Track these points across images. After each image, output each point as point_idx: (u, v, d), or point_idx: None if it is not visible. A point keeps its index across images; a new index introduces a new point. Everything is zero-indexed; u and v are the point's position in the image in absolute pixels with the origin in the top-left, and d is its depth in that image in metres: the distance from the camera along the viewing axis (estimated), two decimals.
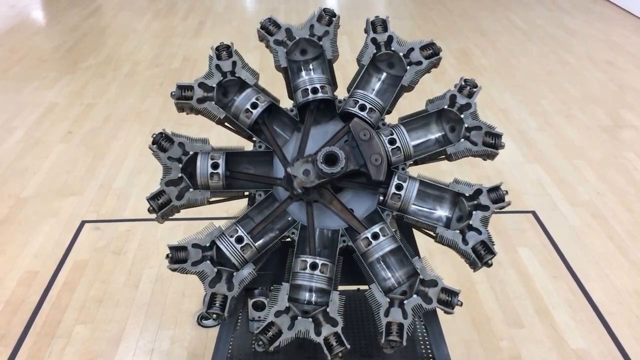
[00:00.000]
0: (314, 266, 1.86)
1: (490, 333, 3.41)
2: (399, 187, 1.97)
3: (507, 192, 1.98)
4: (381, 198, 2.02)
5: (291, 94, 2.17)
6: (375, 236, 1.90)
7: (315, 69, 2.17)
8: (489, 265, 1.90)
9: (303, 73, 2.16)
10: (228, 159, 2.02)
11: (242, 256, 1.89)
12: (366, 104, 2.07)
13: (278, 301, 1.80)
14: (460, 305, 1.81)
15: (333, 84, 2.18)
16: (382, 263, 1.92)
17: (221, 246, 1.89)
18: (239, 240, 1.90)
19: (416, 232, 2.26)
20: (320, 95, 2.07)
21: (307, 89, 2.07)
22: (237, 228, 1.91)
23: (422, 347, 2.41)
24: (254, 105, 2.04)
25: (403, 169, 2.06)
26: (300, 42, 2.15)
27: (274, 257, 2.03)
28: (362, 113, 2.05)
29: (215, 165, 1.98)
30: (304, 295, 1.87)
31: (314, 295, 1.87)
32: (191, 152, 1.99)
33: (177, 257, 1.85)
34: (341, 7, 9.34)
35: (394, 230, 1.97)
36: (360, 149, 1.89)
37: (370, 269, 1.88)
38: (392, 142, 2.01)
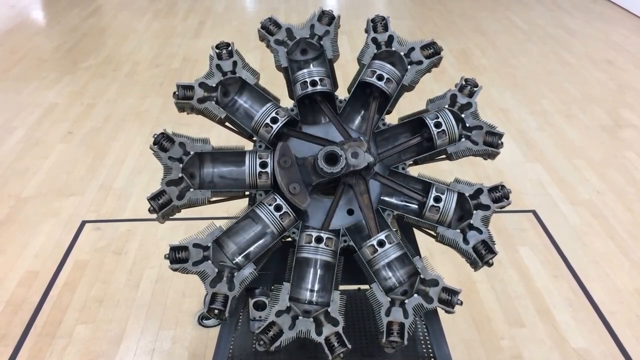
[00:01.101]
0: (319, 239, 1.87)
1: (491, 333, 3.41)
2: (437, 200, 1.96)
3: (510, 190, 1.98)
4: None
5: (291, 94, 2.17)
6: (381, 244, 1.89)
7: (315, 66, 2.17)
8: (490, 265, 1.90)
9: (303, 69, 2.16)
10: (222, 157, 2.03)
11: (281, 224, 1.90)
12: (384, 74, 2.07)
13: (279, 301, 1.81)
14: (460, 305, 1.81)
15: (334, 84, 2.18)
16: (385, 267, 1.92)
17: (260, 214, 1.90)
18: (278, 208, 1.91)
19: (417, 232, 2.26)
20: (319, 87, 2.07)
21: (307, 81, 2.07)
22: (276, 197, 1.92)
23: (423, 346, 2.41)
24: (274, 120, 2.03)
25: (403, 168, 2.06)
26: (300, 42, 2.15)
27: (274, 257, 2.03)
28: (379, 83, 2.06)
29: (264, 164, 1.98)
30: (305, 295, 1.87)
31: (315, 295, 1.87)
32: (192, 153, 1.99)
33: (178, 257, 1.85)
34: (341, 7, 9.34)
35: (394, 230, 1.97)
36: (281, 175, 1.90)
37: (375, 275, 1.88)
38: (437, 125, 2.01)
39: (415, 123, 2.09)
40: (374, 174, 2.02)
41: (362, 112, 2.18)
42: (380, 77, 2.07)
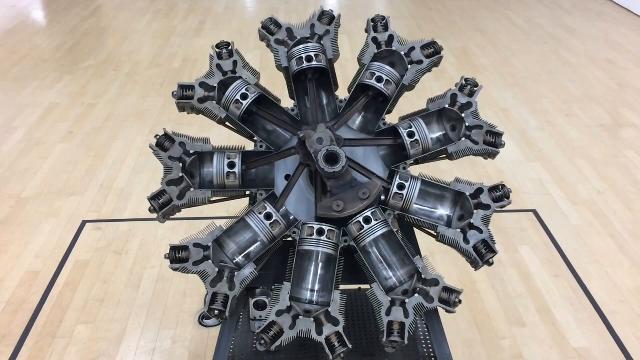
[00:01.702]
0: (320, 232, 1.87)
1: (492, 332, 3.41)
2: (401, 187, 1.97)
3: (510, 190, 1.98)
4: (382, 198, 2.02)
5: (292, 94, 2.17)
6: (367, 220, 1.89)
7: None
8: (490, 264, 1.90)
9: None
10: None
11: (271, 233, 1.90)
12: (383, 75, 2.07)
13: (280, 300, 1.81)
14: (459, 303, 1.81)
15: (334, 84, 2.18)
16: (380, 259, 1.92)
17: (250, 223, 1.90)
18: (268, 216, 1.91)
19: (417, 232, 2.26)
20: (314, 63, 2.06)
21: (302, 57, 2.07)
22: (266, 205, 1.92)
23: (424, 346, 2.41)
24: (244, 97, 2.03)
25: (404, 168, 2.06)
26: (301, 41, 2.15)
27: (275, 256, 2.03)
28: (379, 85, 2.06)
29: (232, 165, 1.98)
30: (305, 295, 1.87)
31: (315, 294, 1.87)
32: (193, 152, 1.99)
33: (179, 256, 1.85)
34: (341, 7, 9.34)
35: (395, 230, 1.97)
36: (350, 204, 1.89)
37: (368, 262, 1.88)
38: (410, 135, 2.01)
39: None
40: (343, 141, 2.02)
41: (363, 112, 2.18)
42: (379, 79, 2.07)
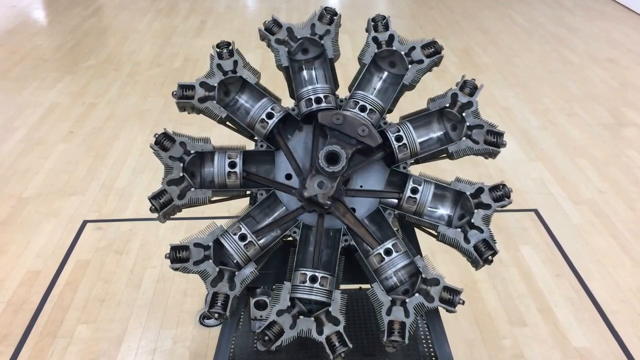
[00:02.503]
0: (313, 279, 1.86)
1: (493, 332, 3.41)
2: (414, 191, 1.97)
3: (511, 189, 1.98)
4: (394, 201, 2.01)
5: (292, 93, 2.17)
6: (388, 252, 1.89)
7: (318, 73, 2.16)
8: (490, 263, 1.90)
9: (305, 76, 2.16)
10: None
11: (246, 254, 1.89)
12: (366, 104, 2.06)
13: (280, 300, 1.80)
14: (462, 304, 1.81)
15: (334, 84, 2.18)
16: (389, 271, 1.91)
17: (225, 244, 1.89)
18: (242, 237, 1.90)
19: (418, 231, 2.26)
20: (323, 105, 2.06)
21: (311, 99, 2.07)
22: (241, 226, 1.91)
23: (425, 346, 2.41)
24: (270, 116, 2.03)
25: (404, 167, 2.06)
26: (302, 42, 2.15)
27: (275, 256, 2.03)
28: (362, 114, 2.04)
29: (232, 164, 1.98)
30: None
31: None
32: (193, 152, 1.99)
33: (179, 256, 1.85)
34: (342, 6, 9.33)
35: (395, 229, 1.97)
36: (344, 132, 1.90)
37: (376, 275, 1.87)
38: (398, 139, 2.01)
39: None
40: (346, 191, 2.00)
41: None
42: (362, 109, 2.05)
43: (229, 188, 2.00)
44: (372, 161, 2.06)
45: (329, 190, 1.86)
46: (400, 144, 2.01)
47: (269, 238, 1.96)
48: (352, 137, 1.90)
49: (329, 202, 1.87)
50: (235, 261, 1.89)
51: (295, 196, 2.00)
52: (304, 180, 1.94)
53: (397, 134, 2.01)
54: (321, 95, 2.08)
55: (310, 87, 2.11)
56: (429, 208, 1.99)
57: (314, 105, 2.06)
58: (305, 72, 2.17)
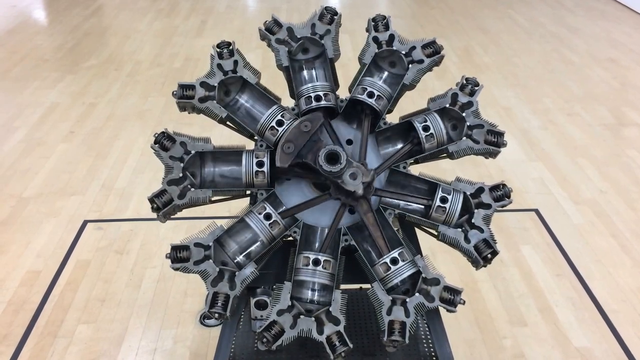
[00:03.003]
0: (316, 262, 1.86)
1: (493, 332, 3.41)
2: (443, 200, 1.95)
3: (511, 189, 1.98)
4: (421, 207, 2.01)
5: (292, 93, 2.17)
6: (394, 261, 1.88)
7: (318, 72, 2.16)
8: (490, 262, 1.89)
9: (305, 75, 2.16)
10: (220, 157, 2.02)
11: (270, 233, 1.90)
12: (374, 91, 2.07)
13: (280, 300, 1.80)
14: (462, 304, 1.81)
15: (335, 84, 2.18)
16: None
17: (250, 223, 1.90)
18: (267, 217, 1.91)
19: (418, 231, 2.25)
20: (323, 103, 2.07)
21: (311, 96, 2.07)
22: (265, 205, 1.92)
23: (425, 345, 2.40)
24: (280, 123, 2.03)
25: (404, 167, 2.06)
26: (302, 42, 2.15)
27: (275, 256, 2.03)
28: (370, 100, 2.05)
29: (260, 164, 1.98)
30: (306, 294, 1.86)
31: (316, 294, 1.87)
32: (193, 152, 1.99)
33: (180, 256, 1.85)
34: (343, 6, 9.33)
35: (396, 229, 1.97)
36: (303, 146, 1.87)
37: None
38: (425, 129, 2.00)
39: (411, 125, 2.08)
40: (374, 190, 2.00)
41: (356, 123, 2.17)
42: (370, 95, 2.06)
43: (256, 186, 2.00)
44: (402, 154, 2.06)
45: (366, 178, 1.86)
46: (428, 133, 2.00)
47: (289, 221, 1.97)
48: (308, 139, 1.87)
49: (361, 192, 1.85)
50: (260, 240, 1.90)
51: (333, 195, 1.97)
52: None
53: (424, 123, 2.01)
54: (321, 93, 2.08)
55: (310, 85, 2.11)
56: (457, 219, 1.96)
57: (314, 103, 2.06)
58: (305, 72, 2.17)
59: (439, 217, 1.95)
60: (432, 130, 2.01)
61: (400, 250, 1.90)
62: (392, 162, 2.06)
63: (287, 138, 1.87)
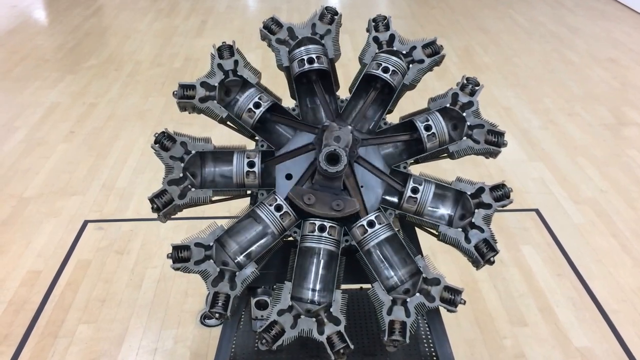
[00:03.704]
0: (322, 228, 1.87)
1: (494, 332, 3.41)
2: (414, 191, 1.97)
3: (511, 189, 1.98)
4: (395, 200, 2.01)
5: (293, 93, 2.17)
6: (370, 224, 1.90)
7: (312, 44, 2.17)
8: (491, 263, 1.89)
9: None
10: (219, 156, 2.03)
11: (281, 224, 1.91)
12: (389, 66, 2.07)
13: (281, 300, 1.80)
14: (463, 304, 1.81)
15: (335, 84, 2.18)
16: (382, 258, 1.92)
17: (261, 214, 1.91)
18: (278, 208, 1.91)
19: (419, 231, 2.25)
20: (316, 65, 2.07)
21: (304, 59, 2.07)
22: (276, 197, 1.92)
23: (425, 345, 2.40)
24: (257, 105, 2.04)
25: (405, 167, 2.06)
26: (302, 41, 2.15)
27: (276, 256, 2.03)
28: (385, 75, 2.06)
29: (251, 164, 1.98)
30: (307, 294, 1.86)
31: (317, 294, 1.87)
32: (193, 152, 1.99)
33: (180, 256, 1.85)
34: (343, 6, 9.33)
35: (396, 229, 1.97)
36: (320, 206, 1.90)
37: (369, 261, 1.88)
38: (427, 128, 2.01)
39: (412, 124, 2.09)
40: (357, 157, 2.03)
41: (364, 111, 2.17)
42: (385, 70, 2.07)
43: (247, 187, 2.00)
44: (397, 140, 2.09)
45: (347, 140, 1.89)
46: (429, 133, 2.01)
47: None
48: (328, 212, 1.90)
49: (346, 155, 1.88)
50: (270, 231, 1.90)
51: (316, 141, 2.02)
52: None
53: (426, 123, 2.02)
54: (314, 56, 2.08)
55: (302, 48, 2.11)
56: (429, 208, 1.99)
57: (307, 65, 2.06)
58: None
59: (410, 208, 1.97)
60: (434, 130, 2.02)
61: (377, 214, 1.92)
62: (385, 141, 2.08)
63: (313, 193, 1.90)
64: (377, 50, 2.14)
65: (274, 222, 1.91)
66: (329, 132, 1.91)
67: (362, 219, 1.91)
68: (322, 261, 1.89)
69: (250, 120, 2.03)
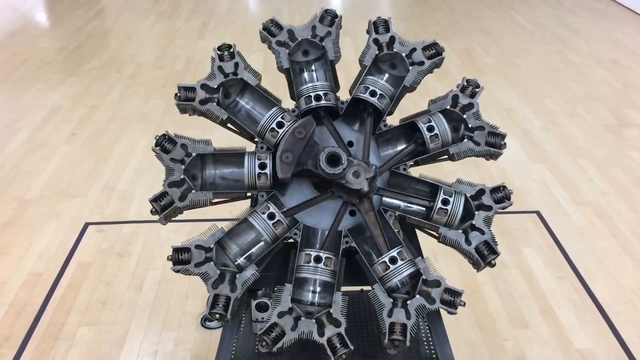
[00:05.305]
0: (317, 259, 1.86)
1: (495, 333, 3.40)
2: (445, 202, 1.95)
3: (511, 191, 1.97)
4: (423, 209, 2.00)
5: (293, 95, 2.17)
6: (393, 260, 1.88)
7: (318, 73, 2.16)
8: (492, 266, 1.89)
9: (306, 76, 2.16)
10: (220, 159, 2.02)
11: (274, 232, 1.91)
12: (376, 89, 2.07)
13: (281, 302, 1.80)
14: (463, 306, 1.81)
15: (335, 85, 2.18)
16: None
17: (253, 222, 1.90)
18: (271, 216, 1.91)
19: (419, 232, 2.25)
20: (323, 102, 2.06)
21: (311, 95, 2.07)
22: (269, 205, 1.92)
23: (426, 347, 2.40)
24: (280, 125, 2.03)
25: (404, 169, 2.06)
26: (302, 43, 2.15)
27: (276, 258, 2.03)
28: (372, 99, 2.05)
29: (263, 166, 1.98)
30: (307, 297, 1.86)
31: (317, 296, 1.87)
32: (193, 154, 1.99)
33: (181, 258, 1.85)
34: (344, 8, 9.33)
35: (396, 230, 1.97)
36: (300, 153, 1.89)
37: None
38: (430, 129, 2.00)
39: (413, 126, 2.09)
40: (377, 189, 2.00)
41: (357, 125, 2.17)
42: (373, 93, 2.06)
43: (259, 189, 2.00)
44: (406, 153, 2.06)
45: (369, 175, 1.86)
46: (432, 134, 2.00)
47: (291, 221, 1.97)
48: (304, 145, 1.89)
49: (367, 189, 1.86)
50: (263, 239, 1.90)
51: (336, 194, 1.97)
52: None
53: (428, 124, 2.01)
54: (321, 93, 2.08)
55: (310, 84, 2.11)
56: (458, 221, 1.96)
57: (314, 102, 2.06)
58: (306, 74, 2.17)
59: (440, 219, 1.95)
60: (436, 131, 2.01)
61: (400, 250, 1.90)
62: (396, 162, 2.05)
63: (283, 148, 1.88)
64: (377, 52, 2.13)
65: (267, 231, 1.91)
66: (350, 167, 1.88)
67: (383, 256, 1.88)
68: (318, 288, 1.88)
69: (274, 140, 2.01)
